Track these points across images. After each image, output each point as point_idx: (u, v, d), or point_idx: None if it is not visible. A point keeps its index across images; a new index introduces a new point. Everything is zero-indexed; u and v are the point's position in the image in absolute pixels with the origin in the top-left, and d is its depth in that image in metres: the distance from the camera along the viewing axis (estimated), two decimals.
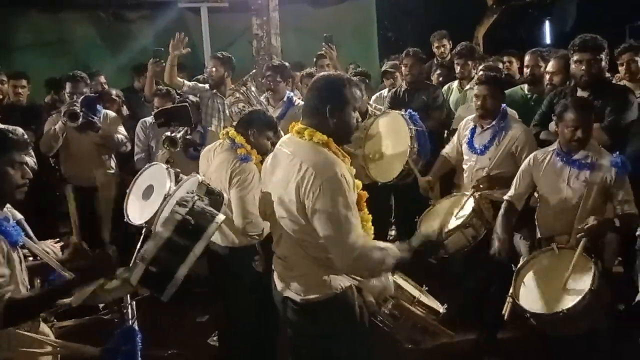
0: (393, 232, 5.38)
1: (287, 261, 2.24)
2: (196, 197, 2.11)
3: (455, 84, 5.01)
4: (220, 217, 2.14)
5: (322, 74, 2.41)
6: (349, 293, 2.22)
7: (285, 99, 4.53)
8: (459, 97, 4.84)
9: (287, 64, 4.75)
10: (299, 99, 4.73)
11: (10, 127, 4.19)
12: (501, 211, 3.26)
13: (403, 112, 3.66)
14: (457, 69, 4.92)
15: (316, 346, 2.26)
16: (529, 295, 2.83)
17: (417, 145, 3.60)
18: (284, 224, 2.17)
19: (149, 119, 4.70)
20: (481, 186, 3.41)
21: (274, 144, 3.91)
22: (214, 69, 4.60)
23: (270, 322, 3.35)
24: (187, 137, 4.39)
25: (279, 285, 2.31)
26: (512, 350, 3.72)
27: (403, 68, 4.86)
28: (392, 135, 3.72)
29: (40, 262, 2.33)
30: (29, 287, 2.20)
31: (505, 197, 3.29)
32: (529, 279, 2.90)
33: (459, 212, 3.32)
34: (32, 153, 4.40)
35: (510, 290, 2.85)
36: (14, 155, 2.10)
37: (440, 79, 5.36)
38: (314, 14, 8.33)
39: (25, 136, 4.22)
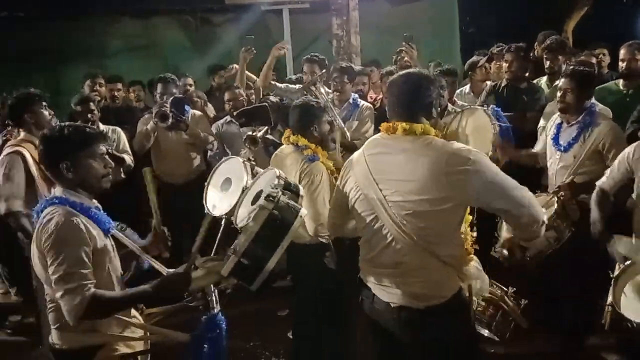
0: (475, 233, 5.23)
1: (401, 268, 2.19)
2: (280, 192, 2.16)
3: (544, 79, 4.79)
4: (303, 211, 2.20)
5: (410, 71, 2.42)
6: (463, 292, 2.22)
7: (350, 100, 4.52)
8: (548, 93, 4.63)
9: (353, 65, 4.74)
10: (371, 98, 4.73)
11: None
12: (592, 197, 3.09)
13: (486, 108, 3.56)
14: (547, 64, 4.70)
15: (437, 352, 2.23)
16: (632, 304, 2.66)
17: (500, 142, 3.48)
18: (410, 226, 2.12)
19: (224, 119, 4.90)
20: (562, 193, 3.25)
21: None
22: (306, 71, 4.64)
23: (339, 321, 3.39)
24: (267, 136, 4.51)
25: (385, 296, 2.25)
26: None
27: (504, 64, 4.70)
28: (475, 132, 3.62)
29: (127, 251, 2.47)
30: (122, 272, 2.34)
31: (597, 183, 3.11)
32: (630, 286, 2.72)
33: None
34: (130, 151, 4.70)
35: (609, 299, 2.70)
36: (95, 148, 2.24)
37: (528, 74, 5.15)
38: (394, 11, 8.25)
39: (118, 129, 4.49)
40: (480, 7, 10.11)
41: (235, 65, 5.19)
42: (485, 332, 2.54)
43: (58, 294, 2.02)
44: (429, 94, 2.24)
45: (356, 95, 4.60)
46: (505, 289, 2.53)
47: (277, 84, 4.93)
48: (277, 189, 2.18)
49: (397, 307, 2.20)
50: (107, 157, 2.28)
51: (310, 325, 3.43)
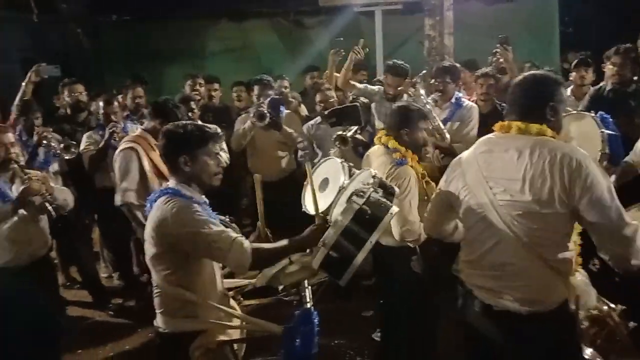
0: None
1: (506, 270, 2.14)
2: (371, 189, 2.18)
3: None
4: (394, 208, 2.20)
5: (533, 72, 2.39)
6: (569, 303, 2.14)
7: (453, 100, 4.42)
8: None
9: (457, 65, 4.64)
10: (467, 99, 4.61)
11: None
12: None
13: (593, 114, 3.38)
14: None
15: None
16: None
17: (608, 150, 3.29)
18: (519, 227, 2.07)
19: (314, 120, 4.98)
20: None
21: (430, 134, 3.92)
22: (390, 83, 4.63)
23: (427, 324, 3.36)
24: (357, 136, 4.54)
25: (486, 299, 2.21)
26: None
27: (610, 66, 4.44)
28: (581, 139, 3.44)
29: None
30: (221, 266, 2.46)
31: None
32: None
33: None
34: (226, 149, 4.91)
35: None
36: (211, 146, 2.37)
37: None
38: (489, 11, 7.99)
39: (218, 129, 4.75)
40: (582, 5, 9.56)
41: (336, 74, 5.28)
42: (589, 352, 2.40)
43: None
44: (548, 96, 2.19)
45: (460, 95, 4.49)
46: (613, 306, 2.37)
47: (357, 84, 4.96)
48: (368, 185, 2.20)
49: (498, 310, 2.15)
50: (220, 156, 2.41)
51: (396, 328, 3.42)
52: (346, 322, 4.41)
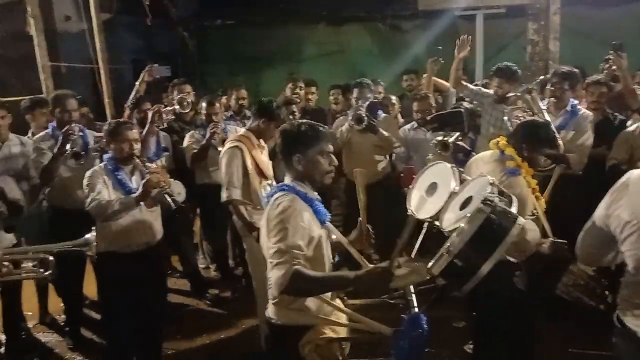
0: None
1: None
2: (497, 198, 2.11)
3: None
4: (521, 219, 2.10)
5: None
6: None
7: (568, 107, 4.23)
8: None
9: (577, 71, 4.45)
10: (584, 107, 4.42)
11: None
12: None
13: None
14: None
15: None
16: None
17: None
18: None
19: (410, 125, 4.99)
20: None
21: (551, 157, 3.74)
22: (498, 86, 4.54)
23: (525, 344, 3.23)
24: (458, 142, 4.48)
25: None
26: None
27: None
28: None
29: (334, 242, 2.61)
30: (332, 260, 2.50)
31: None
32: None
33: None
34: None
35: None
36: (323, 145, 2.41)
37: None
38: (598, 16, 7.59)
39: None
40: None
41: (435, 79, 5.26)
42: None
43: (269, 267, 2.20)
44: None
45: (575, 102, 4.29)
46: None
47: (469, 85, 4.87)
48: (494, 194, 2.14)
49: None
50: (332, 155, 2.46)
51: (490, 344, 3.32)
52: (437, 331, 4.31)
